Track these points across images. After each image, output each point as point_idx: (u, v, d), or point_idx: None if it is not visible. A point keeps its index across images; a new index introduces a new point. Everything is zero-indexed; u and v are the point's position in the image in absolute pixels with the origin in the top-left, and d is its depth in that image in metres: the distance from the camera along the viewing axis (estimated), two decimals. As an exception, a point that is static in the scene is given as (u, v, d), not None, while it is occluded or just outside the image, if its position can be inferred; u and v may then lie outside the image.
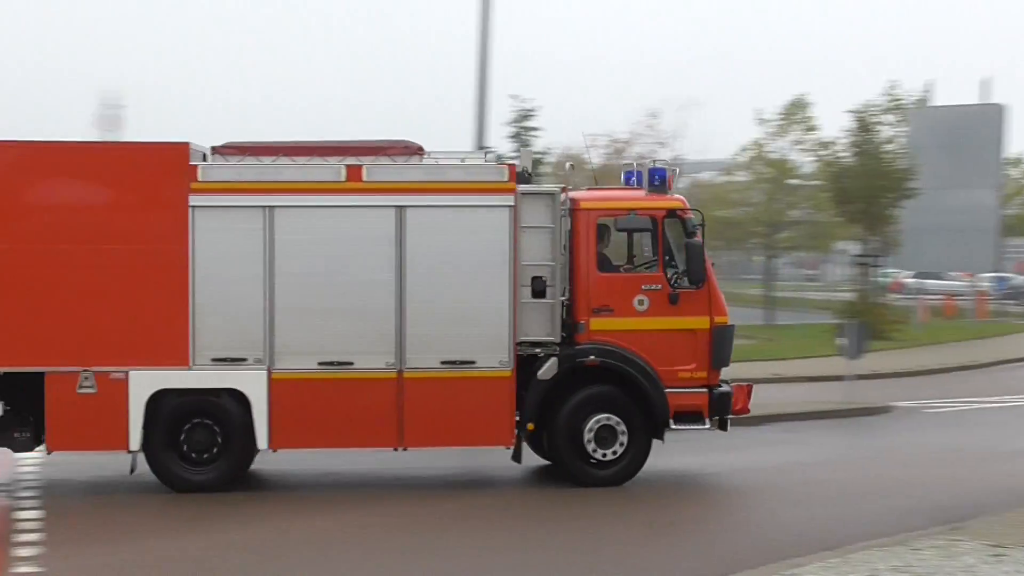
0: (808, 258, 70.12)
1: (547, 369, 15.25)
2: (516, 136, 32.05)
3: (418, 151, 15.29)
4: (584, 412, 15.34)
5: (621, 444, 15.35)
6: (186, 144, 14.86)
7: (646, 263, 15.89)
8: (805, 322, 40.19)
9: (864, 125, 38.81)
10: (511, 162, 15.40)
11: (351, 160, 15.01)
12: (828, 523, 13.18)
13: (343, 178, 14.95)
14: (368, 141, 15.49)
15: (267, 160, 14.96)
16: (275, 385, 14.80)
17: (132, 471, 15.02)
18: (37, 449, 15.05)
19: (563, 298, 15.26)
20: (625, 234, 16.09)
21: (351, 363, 14.90)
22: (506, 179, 15.07)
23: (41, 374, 14.47)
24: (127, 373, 14.58)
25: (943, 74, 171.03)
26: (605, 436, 15.35)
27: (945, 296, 56.11)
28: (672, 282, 15.43)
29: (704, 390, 15.45)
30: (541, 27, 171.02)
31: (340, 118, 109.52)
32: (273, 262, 14.84)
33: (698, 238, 15.33)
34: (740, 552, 11.78)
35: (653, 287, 15.47)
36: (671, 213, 15.49)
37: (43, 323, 14.50)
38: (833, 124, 47.91)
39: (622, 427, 15.37)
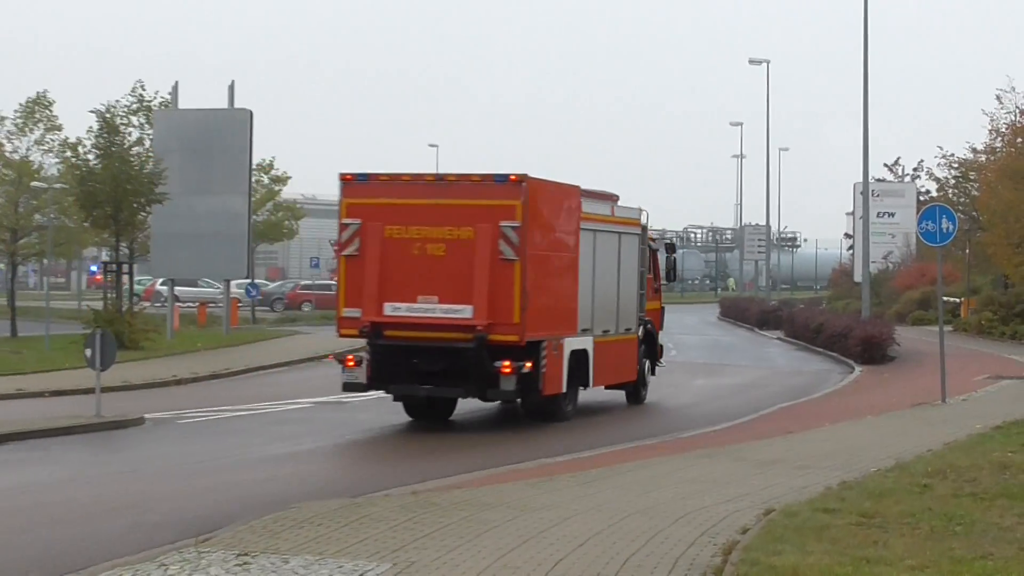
0: (55, 265, 68.77)
1: (642, 332, 27.00)
2: None
3: (617, 197, 26.09)
4: (642, 357, 27.24)
5: (649, 375, 27.81)
6: (578, 185, 23.86)
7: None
8: (53, 333, 39.34)
9: (110, 126, 38.61)
10: (639, 206, 26.81)
11: (608, 202, 25.50)
12: (69, 544, 12.95)
13: (610, 213, 25.34)
14: (597, 191, 25.34)
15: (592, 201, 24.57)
16: (596, 346, 24.42)
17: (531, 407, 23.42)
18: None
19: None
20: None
21: (609, 331, 25.20)
22: (639, 217, 26.71)
23: (539, 342, 22.28)
24: (563, 340, 23.12)
25: (190, 76, 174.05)
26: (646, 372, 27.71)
27: (199, 303, 57.28)
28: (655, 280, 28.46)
29: (660, 344, 28.77)
30: None
31: None
32: (594, 268, 24.41)
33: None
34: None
35: (655, 283, 28.48)
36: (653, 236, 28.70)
37: (547, 307, 22.52)
38: (80, 124, 47.17)
39: (648, 365, 27.74)
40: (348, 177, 22.96)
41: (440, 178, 22.48)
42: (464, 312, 21.75)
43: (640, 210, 26.74)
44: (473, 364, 21.94)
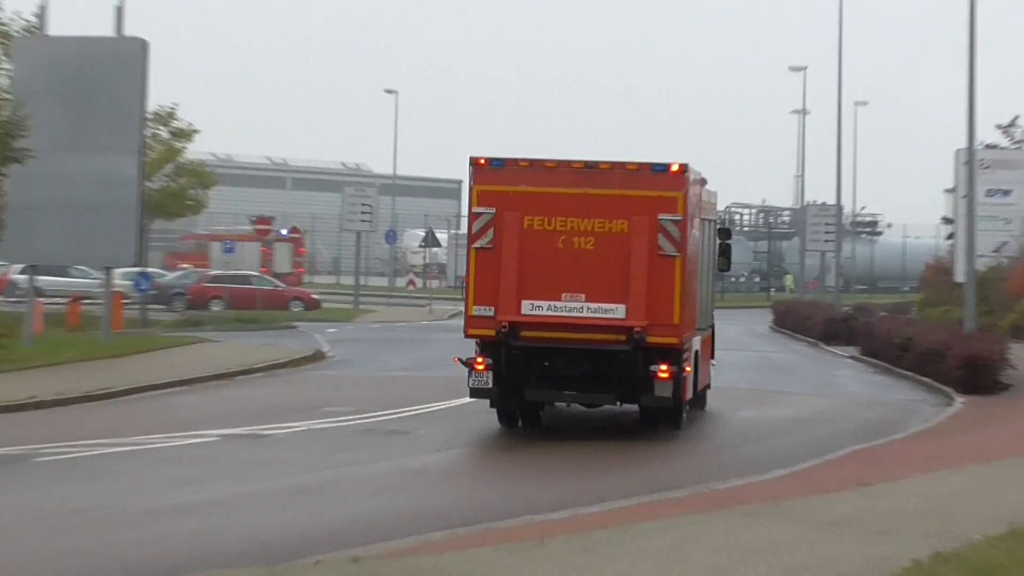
0: None
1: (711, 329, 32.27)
2: None
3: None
4: None
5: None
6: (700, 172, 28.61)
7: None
8: None
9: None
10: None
11: (704, 188, 29.36)
12: None
13: (707, 200, 29.75)
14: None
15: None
16: (702, 343, 29.50)
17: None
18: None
19: None
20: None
21: (704, 329, 30.14)
22: (716, 201, 32.37)
23: (683, 343, 26.52)
24: (692, 339, 27.63)
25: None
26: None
27: (71, 299, 57.13)
28: None
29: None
30: None
31: None
32: (701, 260, 28.78)
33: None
34: None
35: None
36: None
37: (691, 305, 27.22)
38: None
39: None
40: (481, 162, 26.48)
41: (590, 166, 26.29)
42: (616, 312, 25.81)
43: (715, 193, 31.30)
44: (625, 368, 25.99)
